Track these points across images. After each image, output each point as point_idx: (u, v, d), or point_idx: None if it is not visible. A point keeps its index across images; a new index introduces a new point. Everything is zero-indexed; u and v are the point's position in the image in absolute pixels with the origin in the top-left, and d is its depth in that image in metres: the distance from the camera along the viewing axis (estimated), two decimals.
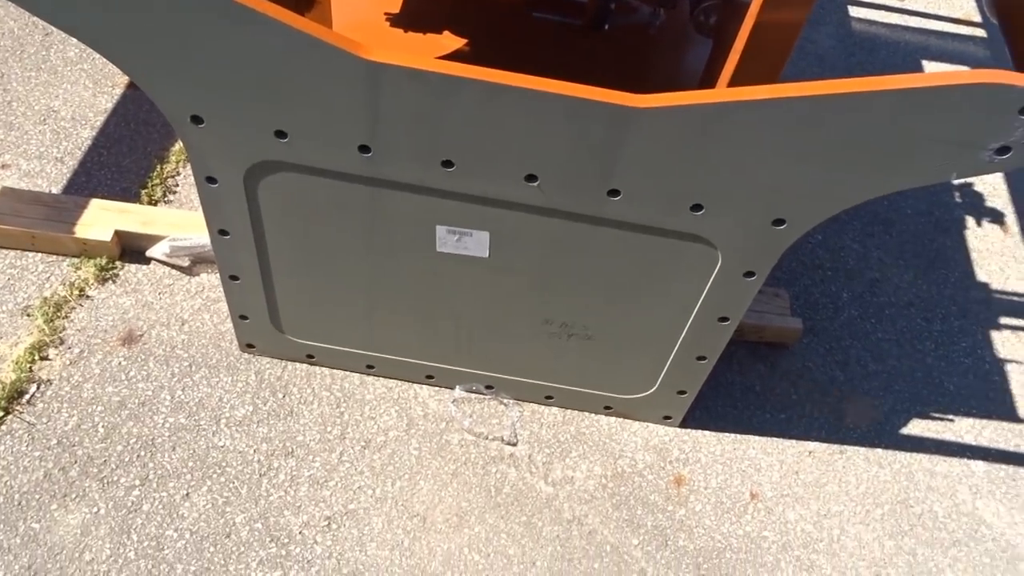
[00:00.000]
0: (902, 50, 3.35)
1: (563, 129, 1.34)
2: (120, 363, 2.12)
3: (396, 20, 1.96)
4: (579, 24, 1.73)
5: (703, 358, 1.89)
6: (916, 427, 2.31)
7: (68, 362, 2.10)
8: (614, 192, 1.46)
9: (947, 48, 3.42)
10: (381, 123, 1.38)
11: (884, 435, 2.28)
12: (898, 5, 3.54)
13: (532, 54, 1.91)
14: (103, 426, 2.01)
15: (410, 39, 1.93)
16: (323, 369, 2.17)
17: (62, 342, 2.13)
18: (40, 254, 2.27)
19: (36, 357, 2.09)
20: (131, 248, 2.30)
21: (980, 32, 3.50)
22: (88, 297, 2.22)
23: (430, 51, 1.89)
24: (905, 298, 2.58)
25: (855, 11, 3.47)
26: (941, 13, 3.55)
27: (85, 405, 2.04)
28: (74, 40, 1.34)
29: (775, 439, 2.23)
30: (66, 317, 2.17)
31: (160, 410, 2.06)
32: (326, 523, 1.94)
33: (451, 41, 1.93)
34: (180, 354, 2.15)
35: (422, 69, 1.28)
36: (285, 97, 1.37)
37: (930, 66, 3.32)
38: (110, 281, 2.26)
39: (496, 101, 1.31)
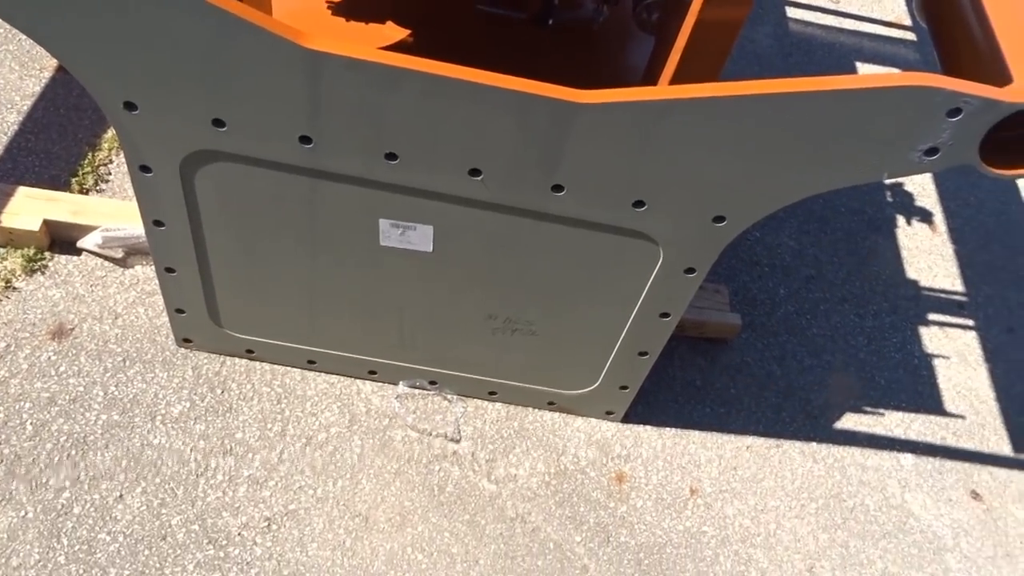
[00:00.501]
0: (837, 51, 3.44)
1: (507, 123, 1.34)
2: (50, 358, 2.05)
3: (337, 8, 1.93)
4: (523, 18, 1.72)
5: (645, 353, 1.91)
6: (849, 421, 2.38)
7: None
8: (558, 187, 1.46)
9: (880, 50, 3.52)
10: (322, 114, 1.36)
11: (819, 429, 2.34)
12: (833, 7, 3.63)
13: (476, 47, 1.90)
14: (31, 424, 1.94)
15: (352, 28, 1.90)
16: (263, 364, 2.13)
17: None
18: None
19: None
20: (61, 238, 2.22)
21: (911, 35, 3.62)
22: (15, 289, 2.14)
23: (372, 41, 1.86)
24: (839, 294, 2.65)
25: (792, 12, 3.55)
26: (874, 16, 3.65)
27: (12, 402, 1.96)
28: None
29: (715, 434, 2.27)
30: None
31: (92, 407, 1.99)
32: (266, 524, 1.91)
33: (394, 31, 1.91)
34: (113, 348, 2.09)
35: (363, 59, 1.26)
36: (223, 85, 1.34)
37: (864, 67, 3.41)
38: (39, 272, 2.18)
39: (439, 94, 1.30)
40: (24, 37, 1.43)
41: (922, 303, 2.70)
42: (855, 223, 2.84)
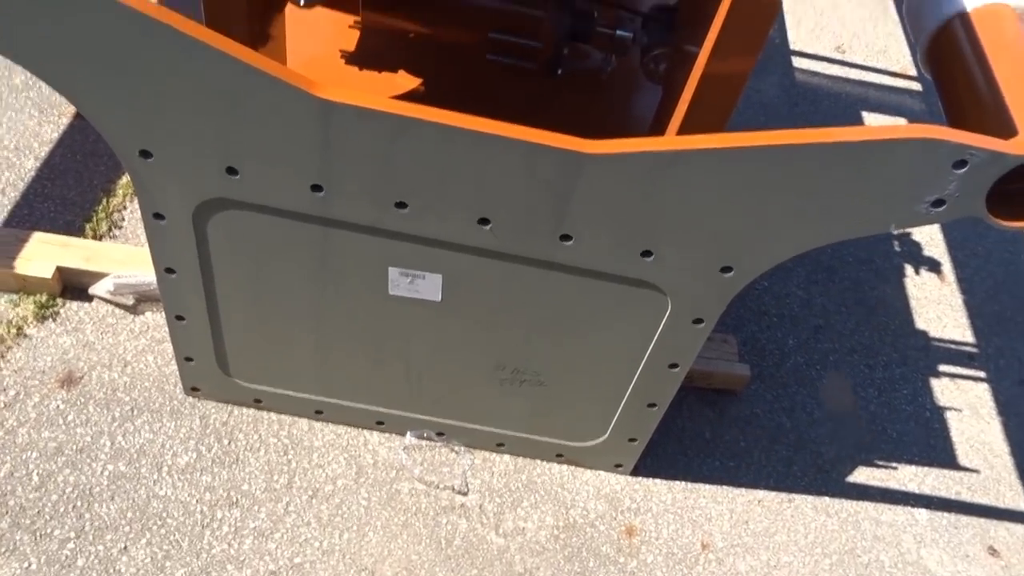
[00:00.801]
0: (843, 101, 3.48)
1: (515, 172, 1.35)
2: (58, 406, 2.05)
3: (351, 58, 1.97)
4: (533, 68, 1.75)
5: (653, 405, 1.90)
6: (861, 475, 2.34)
7: (2, 405, 2.02)
8: (566, 237, 1.47)
9: (885, 100, 3.56)
10: (334, 162, 1.38)
11: (831, 483, 2.30)
12: (838, 57, 3.68)
13: (487, 96, 1.93)
14: (38, 474, 1.93)
15: (365, 77, 1.93)
16: (271, 414, 2.13)
17: None
18: None
19: None
20: (73, 285, 2.24)
21: (916, 85, 3.66)
22: (26, 336, 2.15)
23: (385, 90, 1.90)
24: (848, 345, 2.63)
25: (798, 62, 3.60)
26: (879, 66, 3.70)
27: (19, 451, 1.96)
28: (20, 67, 1.31)
29: (725, 487, 2.24)
30: (2, 357, 2.09)
31: (99, 457, 1.98)
32: None
33: (406, 80, 1.94)
34: (122, 397, 2.09)
35: (375, 109, 1.28)
36: (237, 133, 1.36)
37: (870, 117, 3.45)
38: (50, 319, 2.19)
39: (449, 143, 1.32)
40: (44, 84, 1.47)
41: (932, 354, 2.68)
42: (863, 273, 2.84)
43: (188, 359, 1.97)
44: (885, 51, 3.78)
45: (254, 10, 1.43)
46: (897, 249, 2.97)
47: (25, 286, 2.19)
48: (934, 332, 2.74)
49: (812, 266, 2.81)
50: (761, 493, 2.25)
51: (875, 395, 2.52)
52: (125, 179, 2.50)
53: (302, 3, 1.70)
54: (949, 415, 2.53)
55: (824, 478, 2.31)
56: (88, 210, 2.42)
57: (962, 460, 2.43)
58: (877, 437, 2.43)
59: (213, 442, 2.05)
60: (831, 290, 2.77)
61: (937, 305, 2.82)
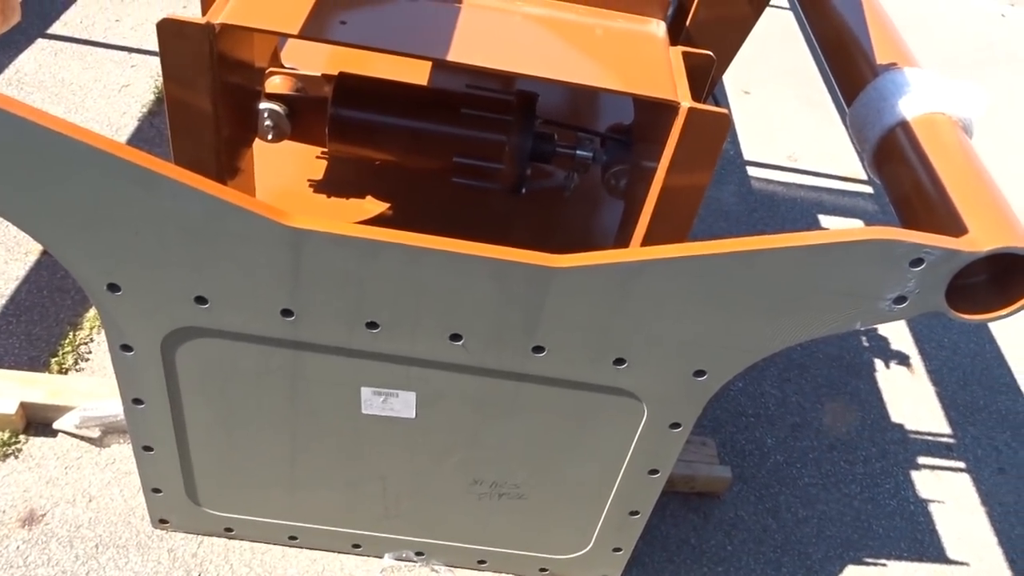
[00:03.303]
0: (799, 205, 3.59)
1: (485, 289, 1.37)
2: (18, 547, 1.96)
3: (320, 186, 2.01)
4: (497, 188, 1.80)
5: (636, 512, 1.87)
6: (851, 574, 2.30)
7: None
8: (538, 348, 1.48)
9: (839, 203, 3.69)
10: (304, 287, 1.39)
11: None
12: (791, 164, 3.83)
13: (453, 215, 1.97)
14: None
15: (334, 204, 1.97)
16: (242, 542, 2.05)
17: None
18: None
19: None
20: (37, 420, 2.18)
21: (867, 188, 3.80)
22: None
23: (354, 216, 1.93)
24: (826, 441, 2.63)
25: (753, 171, 3.73)
26: (831, 172, 3.85)
27: None
28: None
29: None
30: None
31: None
32: None
33: (374, 206, 1.98)
34: (86, 534, 2.01)
35: (344, 234, 1.30)
36: (207, 264, 1.37)
37: (826, 220, 3.56)
38: (12, 456, 2.12)
39: (418, 263, 1.34)
40: (9, 224, 1.47)
41: (910, 447, 2.68)
42: (834, 369, 2.87)
43: (156, 490, 1.91)
44: (835, 157, 3.94)
45: (222, 146, 1.46)
46: (866, 344, 3.01)
47: None
48: (910, 425, 2.75)
49: (784, 364, 2.83)
50: None
51: (858, 491, 2.51)
52: (92, 312, 2.49)
53: (270, 137, 1.75)
54: (933, 508, 2.51)
55: None
56: (54, 344, 2.39)
57: (951, 554, 2.40)
58: (864, 535, 2.40)
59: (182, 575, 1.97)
60: (804, 387, 2.79)
61: (910, 398, 2.85)
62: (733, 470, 2.43)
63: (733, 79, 4.27)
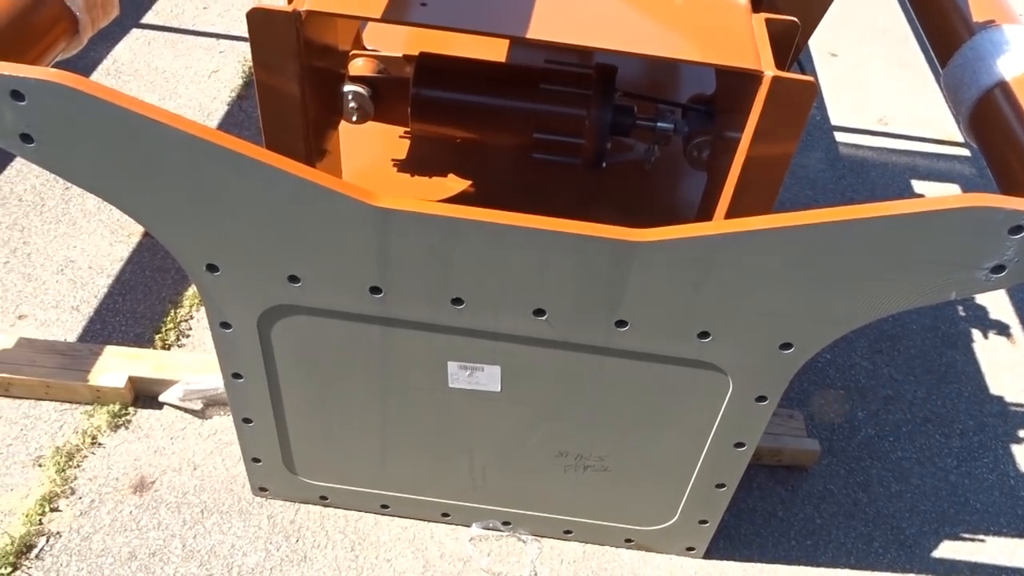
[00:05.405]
0: (890, 171, 3.46)
1: (568, 265, 1.38)
2: (131, 512, 2.09)
3: (403, 166, 2.05)
4: (578, 163, 1.80)
5: (722, 485, 1.86)
6: (947, 550, 2.24)
7: (79, 513, 2.07)
8: (621, 323, 1.48)
9: (934, 167, 3.53)
10: (391, 265, 1.43)
11: (915, 560, 2.20)
12: (882, 129, 3.68)
13: (535, 192, 1.98)
14: None
15: (417, 183, 2.01)
16: (337, 510, 2.14)
17: (73, 492, 2.11)
18: (54, 403, 2.28)
19: (46, 509, 2.06)
20: (144, 393, 2.32)
21: (964, 151, 3.62)
22: (100, 445, 2.22)
23: (436, 194, 1.96)
24: (920, 414, 2.55)
25: (841, 136, 3.61)
26: (924, 135, 3.69)
27: (95, 558, 2.00)
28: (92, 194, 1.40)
29: (803, 568, 2.16)
30: (78, 466, 2.16)
31: (171, 560, 2.01)
32: None
33: (456, 183, 2.01)
34: (192, 500, 2.13)
35: (430, 213, 1.33)
36: (298, 244, 1.42)
37: (919, 185, 3.42)
38: (123, 428, 2.26)
39: (501, 241, 1.35)
40: (113, 208, 1.57)
41: (1011, 419, 2.57)
42: (929, 340, 2.77)
43: (255, 460, 2.01)
44: (929, 120, 3.77)
45: (310, 129, 1.51)
46: (962, 314, 2.89)
47: (99, 397, 2.27)
48: (1010, 397, 2.64)
49: (875, 335, 2.75)
50: (842, 573, 2.16)
51: (954, 465, 2.43)
52: (191, 291, 2.61)
53: (354, 119, 1.79)
54: None
55: (908, 555, 2.21)
56: (157, 322, 2.52)
57: None
58: (961, 509, 2.33)
59: (281, 541, 2.07)
60: (897, 359, 2.70)
61: (1010, 370, 2.73)
62: (822, 443, 2.39)
63: (819, 41, 4.12)
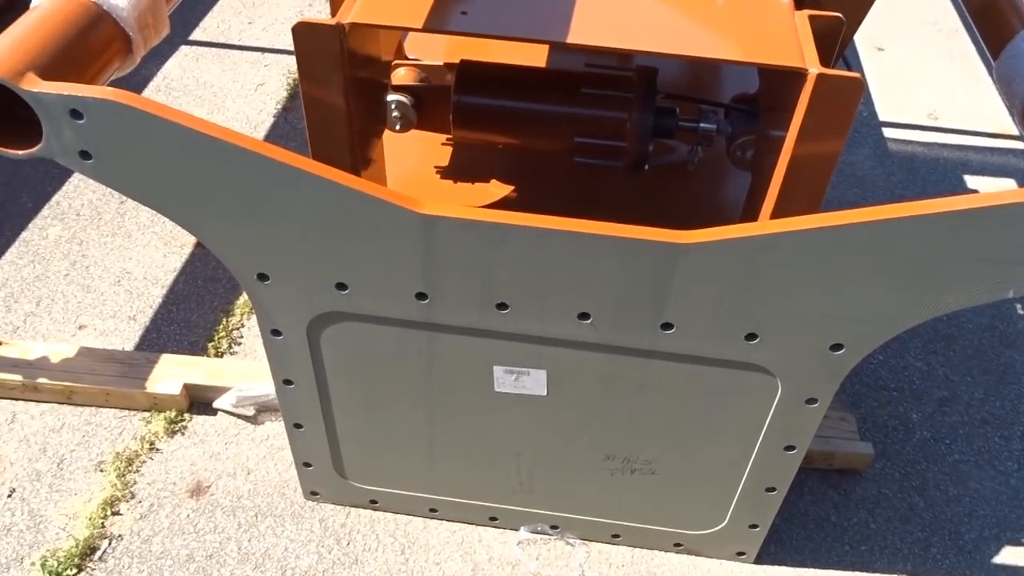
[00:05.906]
0: (941, 166, 3.38)
1: (612, 268, 1.38)
2: (188, 515, 2.14)
3: (446, 172, 2.07)
4: (620, 166, 1.80)
5: (772, 489, 1.84)
6: (1009, 556, 2.17)
7: (138, 516, 2.13)
8: (667, 325, 1.48)
9: (987, 161, 3.44)
10: (436, 271, 1.44)
11: (975, 566, 2.14)
12: (932, 124, 3.60)
13: (577, 195, 1.99)
14: None
15: (460, 189, 2.03)
16: (386, 514, 2.16)
17: (133, 496, 2.17)
18: (113, 409, 2.35)
19: (108, 512, 2.12)
20: (199, 400, 2.37)
21: (1019, 145, 3.52)
22: (158, 450, 2.27)
23: (479, 200, 1.98)
24: (978, 416, 2.49)
25: (890, 132, 3.54)
26: (976, 129, 3.59)
27: (155, 560, 2.05)
28: (146, 207, 1.44)
29: (858, 573, 2.12)
30: (137, 471, 2.22)
31: (227, 562, 2.05)
32: None
33: (499, 189, 2.02)
34: (246, 504, 2.17)
35: (474, 219, 1.34)
36: (345, 252, 1.44)
37: (972, 180, 3.33)
38: (179, 433, 2.32)
39: (545, 245, 1.36)
40: (167, 220, 1.61)
41: None
42: (985, 339, 2.70)
43: (307, 464, 2.04)
44: (981, 114, 3.67)
45: (355, 138, 1.54)
46: (1021, 312, 2.81)
47: (156, 404, 2.33)
48: None
49: (929, 335, 2.69)
50: None
51: (1015, 468, 2.36)
52: (242, 300, 2.66)
53: (398, 127, 1.82)
54: None
55: (967, 561, 2.15)
56: (210, 330, 2.58)
57: None
58: (1023, 514, 2.26)
59: (332, 544, 2.10)
60: (952, 359, 2.64)
61: None
62: (875, 446, 2.34)
63: (865, 35, 4.05)
